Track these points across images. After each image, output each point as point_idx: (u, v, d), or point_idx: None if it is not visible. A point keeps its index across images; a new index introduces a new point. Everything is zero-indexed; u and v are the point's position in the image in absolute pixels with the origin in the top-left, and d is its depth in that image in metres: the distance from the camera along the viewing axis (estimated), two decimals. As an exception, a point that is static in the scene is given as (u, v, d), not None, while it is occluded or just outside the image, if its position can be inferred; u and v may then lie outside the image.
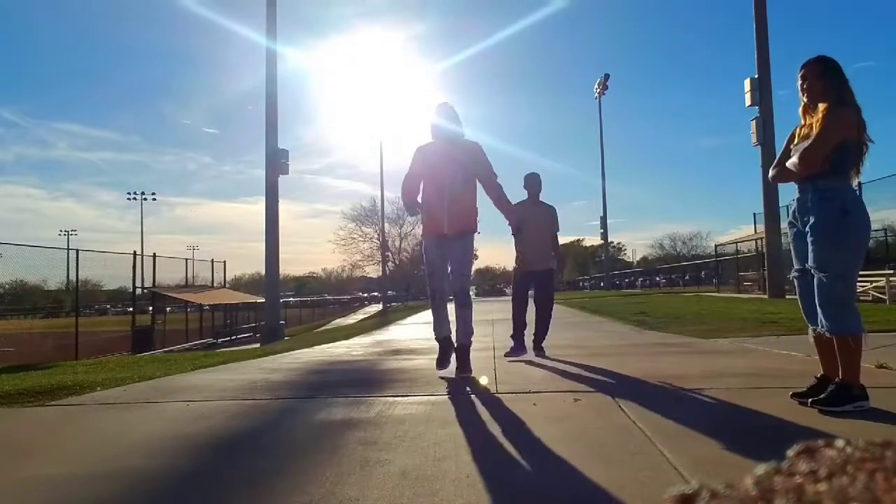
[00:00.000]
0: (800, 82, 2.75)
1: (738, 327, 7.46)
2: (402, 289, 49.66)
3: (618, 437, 2.33)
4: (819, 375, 2.78)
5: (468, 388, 3.51)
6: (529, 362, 4.74)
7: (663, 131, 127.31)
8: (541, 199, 5.46)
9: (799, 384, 3.36)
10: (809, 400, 2.66)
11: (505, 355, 5.00)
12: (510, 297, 5.63)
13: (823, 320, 2.61)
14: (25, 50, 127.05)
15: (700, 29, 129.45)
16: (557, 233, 5.48)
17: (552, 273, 5.52)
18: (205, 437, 2.55)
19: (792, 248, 2.85)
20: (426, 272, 4.25)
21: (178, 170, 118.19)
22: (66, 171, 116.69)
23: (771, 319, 8.19)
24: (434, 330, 4.25)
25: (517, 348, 5.10)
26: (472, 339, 4.15)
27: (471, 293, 4.28)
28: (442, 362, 4.10)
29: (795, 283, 2.83)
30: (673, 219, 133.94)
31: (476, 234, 4.24)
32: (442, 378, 3.86)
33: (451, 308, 4.21)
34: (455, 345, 4.11)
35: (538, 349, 5.18)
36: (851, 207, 2.60)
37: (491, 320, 9.01)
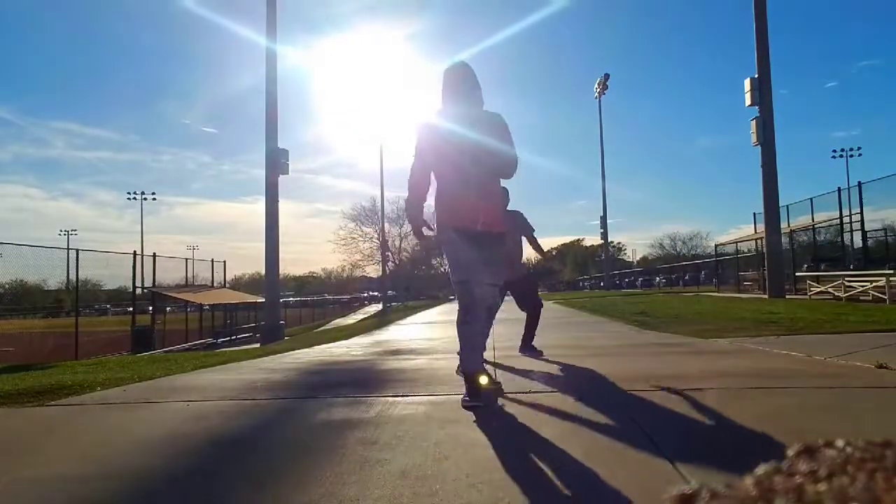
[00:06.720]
0: None
1: (738, 327, 7.45)
2: (402, 289, 49.63)
3: (618, 436, 2.33)
4: None
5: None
6: (530, 362, 4.74)
7: (663, 131, 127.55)
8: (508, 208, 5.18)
9: (799, 383, 3.36)
10: None
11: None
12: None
13: None
14: (23, 48, 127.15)
15: (700, 29, 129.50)
16: (533, 234, 5.21)
17: (526, 279, 5.29)
18: (205, 437, 2.55)
19: None
20: (456, 277, 3.11)
21: (177, 169, 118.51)
22: (64, 170, 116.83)
23: (771, 319, 8.19)
24: (463, 360, 3.10)
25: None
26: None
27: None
28: (474, 395, 2.97)
29: None
30: (673, 219, 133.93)
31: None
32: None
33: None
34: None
35: (530, 349, 5.14)
36: None
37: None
